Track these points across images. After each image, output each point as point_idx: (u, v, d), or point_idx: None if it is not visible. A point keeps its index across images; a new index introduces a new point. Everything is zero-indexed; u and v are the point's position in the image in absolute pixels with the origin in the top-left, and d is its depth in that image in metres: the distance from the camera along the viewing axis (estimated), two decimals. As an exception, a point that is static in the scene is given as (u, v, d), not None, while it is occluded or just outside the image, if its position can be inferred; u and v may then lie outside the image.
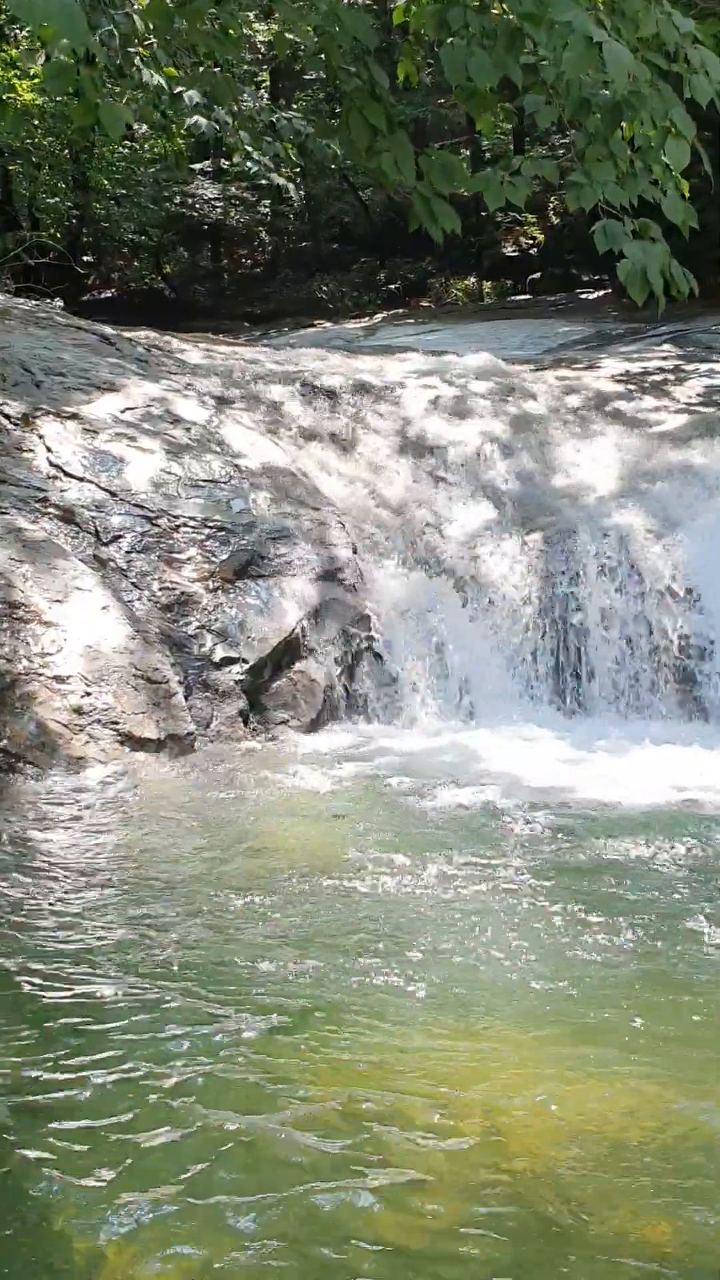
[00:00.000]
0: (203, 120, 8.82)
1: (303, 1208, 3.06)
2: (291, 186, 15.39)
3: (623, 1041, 3.96)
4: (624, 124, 4.20)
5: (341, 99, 4.82)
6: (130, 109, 7.96)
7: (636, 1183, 3.22)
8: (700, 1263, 2.94)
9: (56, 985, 4.17)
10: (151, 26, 5.94)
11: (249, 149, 9.55)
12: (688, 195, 4.38)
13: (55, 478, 7.71)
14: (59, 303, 11.83)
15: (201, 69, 6.81)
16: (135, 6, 6.07)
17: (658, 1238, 3.02)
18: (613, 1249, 2.97)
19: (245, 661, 7.31)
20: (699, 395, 10.45)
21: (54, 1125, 3.37)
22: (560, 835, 5.79)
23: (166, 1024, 3.92)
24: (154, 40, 7.24)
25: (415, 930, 4.75)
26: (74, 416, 8.17)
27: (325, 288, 22.61)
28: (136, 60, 7.46)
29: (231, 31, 5.95)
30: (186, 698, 7.03)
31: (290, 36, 6.18)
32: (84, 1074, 3.62)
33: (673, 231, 4.37)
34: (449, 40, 4.16)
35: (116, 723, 6.63)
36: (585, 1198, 3.15)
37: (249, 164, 10.15)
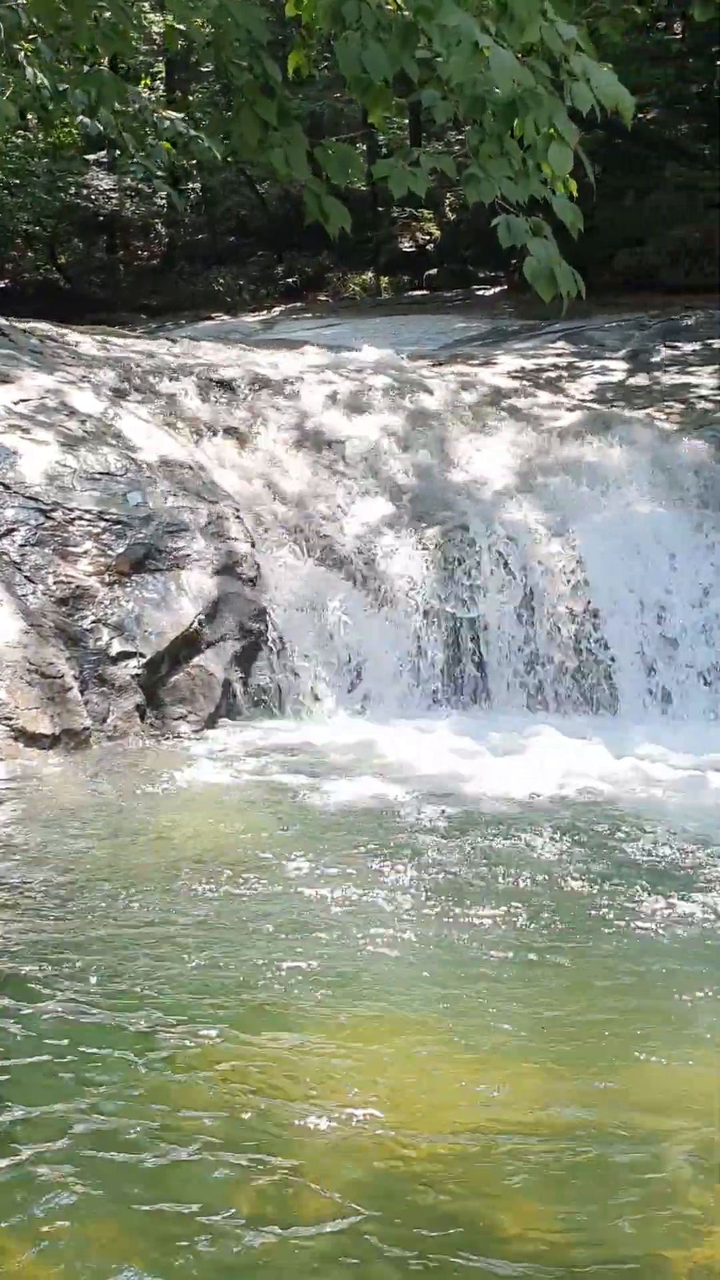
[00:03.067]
0: (87, 120, 8.72)
1: (193, 1197, 3.06)
2: (175, 194, 15.27)
3: (515, 1031, 4.01)
4: (515, 122, 4.24)
5: (233, 93, 4.80)
6: (14, 106, 7.86)
7: (525, 1173, 3.26)
8: (589, 1251, 2.99)
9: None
10: (37, 20, 5.85)
11: (131, 153, 9.46)
12: (575, 196, 4.43)
13: (-53, 470, 7.59)
14: (-50, 293, 11.61)
15: (87, 68, 6.72)
16: (20, 1, 5.98)
17: (547, 1227, 3.06)
18: (502, 1240, 3.01)
19: (142, 656, 7.27)
20: (592, 392, 10.58)
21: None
22: (455, 827, 5.84)
23: (61, 1020, 3.89)
24: (37, 35, 7.15)
25: (311, 924, 4.76)
26: (-34, 408, 8.05)
27: (222, 281, 22.48)
28: (20, 56, 7.36)
29: (121, 27, 5.89)
30: (82, 693, 6.97)
31: (182, 29, 6.13)
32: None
33: (563, 231, 4.42)
34: (344, 33, 4.17)
35: (10, 718, 6.55)
36: (474, 1188, 3.19)
37: (131, 166, 10.06)
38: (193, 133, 9.59)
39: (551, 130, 4.18)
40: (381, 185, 4.60)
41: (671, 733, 7.63)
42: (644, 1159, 3.30)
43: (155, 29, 18.87)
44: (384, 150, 20.16)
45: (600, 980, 4.40)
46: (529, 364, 11.42)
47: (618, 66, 4.72)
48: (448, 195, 20.11)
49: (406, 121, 20.66)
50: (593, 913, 4.94)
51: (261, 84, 4.52)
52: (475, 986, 4.28)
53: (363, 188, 19.71)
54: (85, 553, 7.50)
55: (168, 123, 9.18)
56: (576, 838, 5.74)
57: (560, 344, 12.59)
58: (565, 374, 11.11)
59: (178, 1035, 3.83)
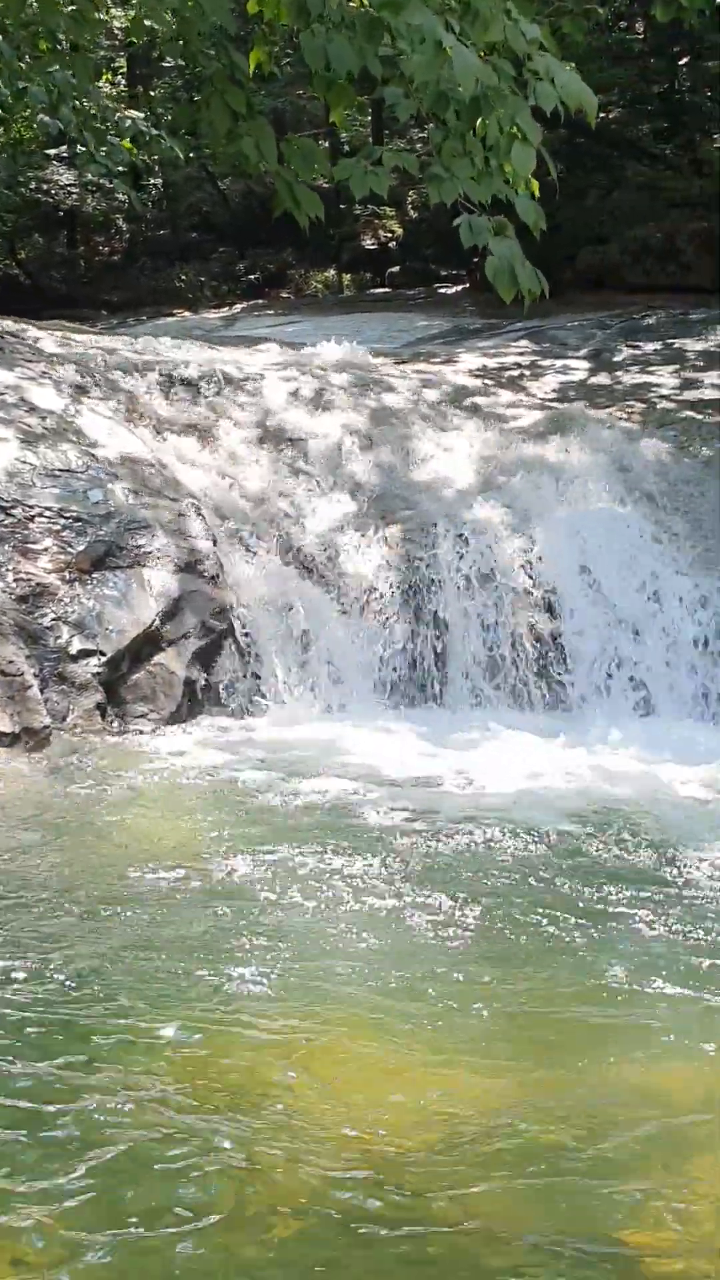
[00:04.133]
0: (47, 118, 8.65)
1: (151, 1194, 3.04)
2: (134, 195, 15.20)
3: (472, 1030, 4.01)
4: (478, 122, 4.24)
5: (201, 84, 4.80)
6: None
7: (494, 1169, 3.26)
8: (556, 1248, 2.99)
9: None
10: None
11: (92, 152, 9.38)
12: (538, 195, 4.44)
13: None
14: None
15: (55, 51, 6.68)
16: None
17: (515, 1223, 3.06)
18: (458, 1235, 3.01)
19: (103, 654, 7.22)
20: (554, 391, 10.61)
21: None
22: (416, 827, 5.84)
23: (18, 1020, 3.86)
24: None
25: (271, 924, 4.75)
26: None
27: (184, 277, 22.39)
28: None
29: (88, 15, 5.87)
30: (42, 691, 6.92)
31: (148, 23, 6.10)
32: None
33: (525, 230, 4.42)
34: (309, 28, 4.16)
35: (-30, 717, 6.50)
36: (432, 1185, 3.19)
37: (91, 166, 9.98)
38: (155, 131, 9.54)
39: (515, 129, 4.18)
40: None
41: (632, 730, 7.65)
42: (605, 1158, 3.31)
43: (117, 23, 18.76)
44: (346, 148, 20.14)
45: (562, 981, 4.40)
46: (491, 362, 11.43)
47: (579, 66, 4.72)
48: (410, 193, 20.12)
49: (369, 119, 20.65)
50: (555, 912, 4.94)
51: (229, 74, 4.51)
52: (437, 988, 4.28)
53: (325, 184, 19.67)
54: (45, 550, 7.45)
55: (129, 121, 9.13)
56: (538, 836, 5.75)
57: (522, 342, 12.61)
58: (527, 373, 11.13)
59: (126, 1038, 3.79)
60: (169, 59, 20.19)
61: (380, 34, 4.11)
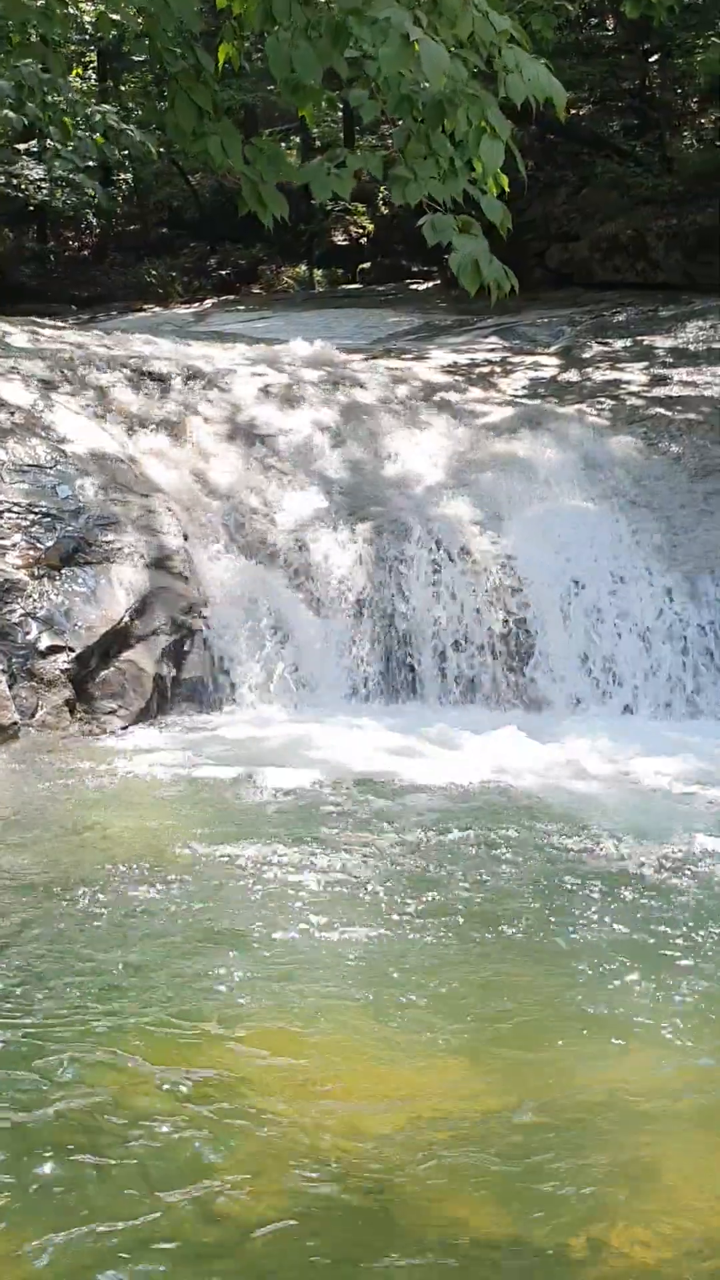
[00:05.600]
0: (12, 114, 8.59)
1: (134, 1183, 3.05)
2: (99, 189, 15.12)
3: (446, 1023, 4.02)
4: (445, 120, 4.24)
5: (168, 81, 4.78)
6: None
7: (462, 1163, 3.28)
8: (522, 1242, 3.01)
9: None
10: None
11: (59, 145, 9.33)
12: (507, 191, 4.44)
13: None
14: None
15: (26, 45, 6.64)
16: None
17: (481, 1217, 3.08)
18: (437, 1228, 3.02)
19: (72, 650, 7.21)
20: (524, 388, 10.63)
21: None
22: (384, 822, 5.85)
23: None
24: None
25: (242, 918, 4.75)
26: None
27: (155, 272, 22.33)
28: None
29: (56, 11, 5.85)
30: (10, 687, 6.91)
31: (115, 18, 6.09)
32: None
33: (493, 228, 4.43)
34: (274, 32, 4.15)
35: (-62, 714, 6.48)
36: (411, 1178, 3.20)
37: (58, 161, 9.94)
38: (123, 126, 9.50)
39: (483, 124, 4.18)
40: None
41: (602, 726, 7.68)
42: (573, 1154, 3.33)
43: (87, 18, 18.67)
44: (317, 143, 20.13)
45: (531, 977, 4.42)
46: (461, 359, 11.45)
47: (549, 62, 4.71)
48: (381, 189, 20.11)
49: (340, 114, 20.62)
50: (523, 908, 4.96)
51: (195, 73, 4.49)
52: (407, 984, 4.29)
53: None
54: (14, 545, 7.43)
55: (99, 115, 9.09)
56: (507, 833, 5.77)
57: (492, 339, 12.64)
58: (498, 369, 11.15)
59: (94, 1039, 3.79)
60: (139, 53, 20.09)
61: (346, 38, 4.10)
